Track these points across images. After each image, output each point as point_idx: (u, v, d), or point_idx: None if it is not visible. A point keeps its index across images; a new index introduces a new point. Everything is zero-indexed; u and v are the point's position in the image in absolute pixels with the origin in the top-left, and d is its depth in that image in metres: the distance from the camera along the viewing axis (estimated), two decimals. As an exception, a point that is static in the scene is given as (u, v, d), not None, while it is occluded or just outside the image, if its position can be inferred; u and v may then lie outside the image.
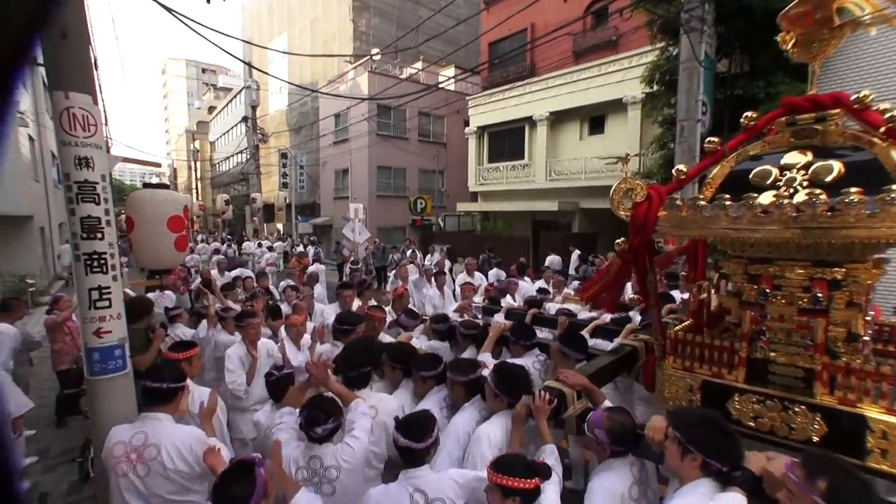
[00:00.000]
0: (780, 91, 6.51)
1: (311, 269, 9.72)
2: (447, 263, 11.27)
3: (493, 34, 16.94)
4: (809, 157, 2.03)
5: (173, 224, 4.84)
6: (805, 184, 1.96)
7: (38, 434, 5.04)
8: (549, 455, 2.09)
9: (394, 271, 9.03)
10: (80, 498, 3.99)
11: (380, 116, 22.14)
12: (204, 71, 70.79)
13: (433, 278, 7.61)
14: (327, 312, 5.20)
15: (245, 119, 28.80)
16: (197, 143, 46.10)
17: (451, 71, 22.32)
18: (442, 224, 21.13)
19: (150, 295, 6.18)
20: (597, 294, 2.73)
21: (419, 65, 23.17)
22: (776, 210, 1.86)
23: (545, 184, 16.72)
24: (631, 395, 3.38)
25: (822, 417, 1.89)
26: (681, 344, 2.41)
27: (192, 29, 5.85)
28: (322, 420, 2.20)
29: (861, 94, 1.90)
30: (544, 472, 1.84)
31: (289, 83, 22.84)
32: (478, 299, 5.82)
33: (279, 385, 2.87)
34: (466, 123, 19.99)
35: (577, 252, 12.47)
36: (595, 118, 15.75)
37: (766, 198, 1.96)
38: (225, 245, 18.15)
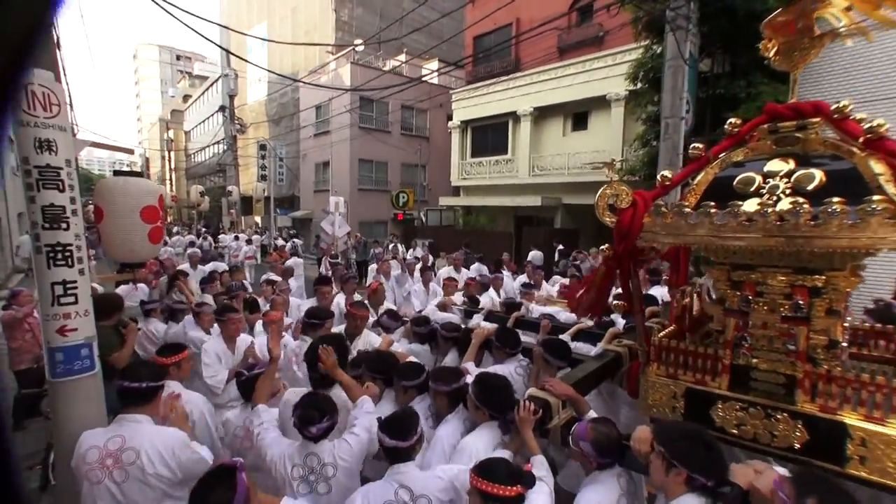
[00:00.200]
0: (760, 91, 6.62)
1: (288, 262, 9.57)
2: (430, 258, 11.22)
3: (477, 28, 16.85)
4: (792, 164, 2.04)
5: (147, 215, 4.65)
6: (788, 192, 1.96)
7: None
8: (540, 466, 2.05)
9: (373, 265, 8.93)
10: (38, 508, 3.76)
11: (362, 109, 21.87)
12: (179, 58, 68.89)
13: (420, 273, 7.54)
14: (304, 308, 5.09)
15: (222, 108, 28.07)
16: (171, 133, 44.88)
17: (434, 64, 22.14)
18: (424, 219, 21.05)
19: (122, 288, 6.01)
20: (582, 301, 2.71)
21: (402, 57, 22.93)
22: (760, 218, 1.86)
23: (528, 179, 16.78)
24: (614, 400, 3.39)
25: (803, 425, 1.90)
26: (665, 350, 2.41)
27: (166, 11, 5.63)
28: (316, 419, 2.14)
29: (841, 104, 1.91)
30: (528, 480, 1.79)
31: (269, 71, 22.35)
32: (458, 297, 5.78)
33: (250, 385, 2.79)
34: (449, 117, 19.89)
35: (560, 247, 12.55)
36: (578, 114, 15.86)
37: (750, 205, 1.96)
38: (200, 238, 17.75)
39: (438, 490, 1.95)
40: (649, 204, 2.33)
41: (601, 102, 14.42)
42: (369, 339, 3.87)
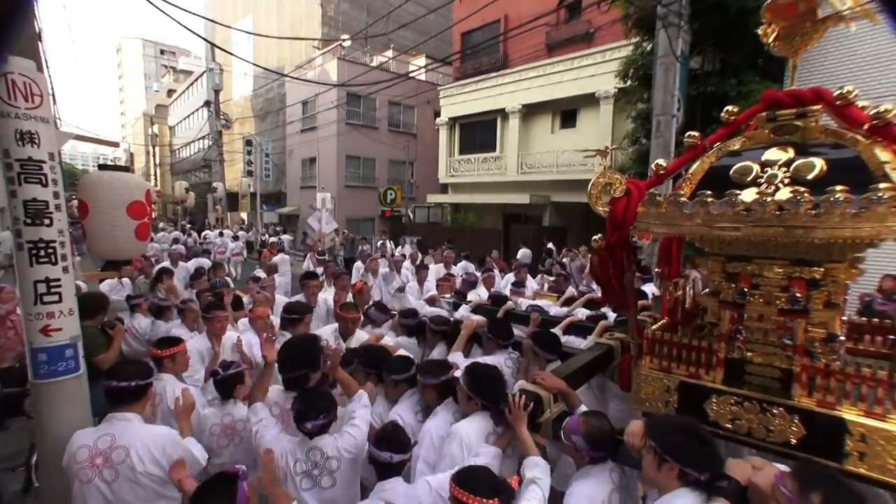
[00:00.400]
0: (751, 90, 6.64)
1: (274, 259, 9.50)
2: (419, 256, 11.13)
3: (465, 24, 16.78)
4: (791, 153, 1.98)
5: (134, 210, 4.47)
6: (786, 181, 1.91)
7: (-27, 439, 4.63)
8: (533, 468, 1.97)
9: (358, 263, 8.81)
10: (21, 510, 3.66)
11: (349, 105, 21.69)
12: (163, 52, 67.79)
13: (416, 272, 7.43)
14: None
15: (207, 103, 27.64)
16: (155, 128, 44.12)
17: (422, 60, 22.03)
18: (412, 216, 20.94)
19: (106, 283, 5.86)
20: (609, 297, 2.64)
21: (389, 53, 22.77)
22: (759, 208, 1.80)
23: (516, 176, 16.76)
24: (604, 393, 3.34)
25: (800, 420, 1.85)
26: (657, 344, 2.35)
27: (151, 3, 5.46)
28: (313, 416, 2.14)
29: (845, 90, 1.86)
30: (507, 495, 1.67)
31: (255, 65, 22.02)
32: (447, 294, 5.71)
33: (226, 384, 2.76)
34: (437, 114, 19.78)
35: (549, 245, 12.54)
36: (567, 112, 15.86)
37: (748, 195, 1.90)
38: (185, 234, 17.46)
39: (425, 502, 1.91)
40: (643, 193, 2.27)
41: (590, 100, 14.42)
42: (361, 339, 3.81)
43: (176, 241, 13.73)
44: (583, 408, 2.29)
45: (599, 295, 3.04)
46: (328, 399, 2.25)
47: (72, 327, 2.51)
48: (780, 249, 1.98)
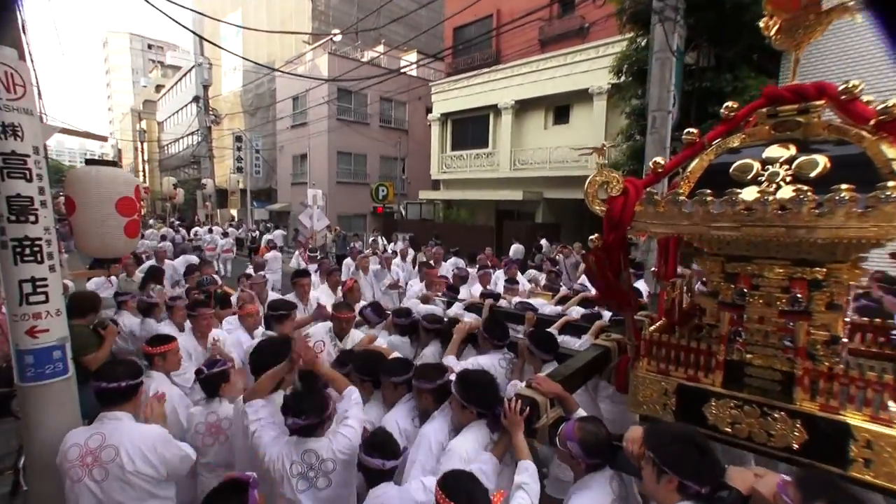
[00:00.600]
0: (746, 85, 6.61)
1: (266, 255, 9.47)
2: (411, 252, 11.05)
3: (457, 19, 16.65)
4: (792, 150, 1.93)
5: (123, 206, 4.33)
6: (788, 179, 1.85)
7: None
8: (522, 473, 1.94)
9: (347, 260, 8.73)
10: (8, 514, 3.57)
11: (340, 100, 21.52)
12: (150, 47, 66.91)
13: (418, 270, 7.35)
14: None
15: (196, 99, 27.27)
16: (144, 124, 43.54)
17: (413, 56, 21.87)
18: (404, 212, 20.84)
19: (93, 281, 5.76)
20: (607, 297, 2.57)
21: (381, 48, 22.58)
22: (760, 207, 1.75)
23: (509, 173, 16.70)
24: (597, 394, 3.29)
25: (802, 424, 1.80)
26: (655, 345, 2.29)
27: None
28: (292, 414, 2.13)
29: (850, 84, 1.80)
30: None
31: (245, 59, 21.76)
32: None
33: (211, 382, 2.76)
34: (429, 110, 19.66)
35: (543, 241, 12.50)
36: (560, 108, 15.81)
37: (748, 193, 1.84)
38: (173, 231, 17.26)
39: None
40: (641, 192, 2.21)
41: (583, 96, 14.38)
42: (356, 338, 3.77)
43: (163, 238, 13.55)
44: (580, 412, 2.24)
45: (594, 293, 2.99)
46: (316, 401, 2.20)
47: (59, 328, 2.44)
48: (781, 249, 1.93)
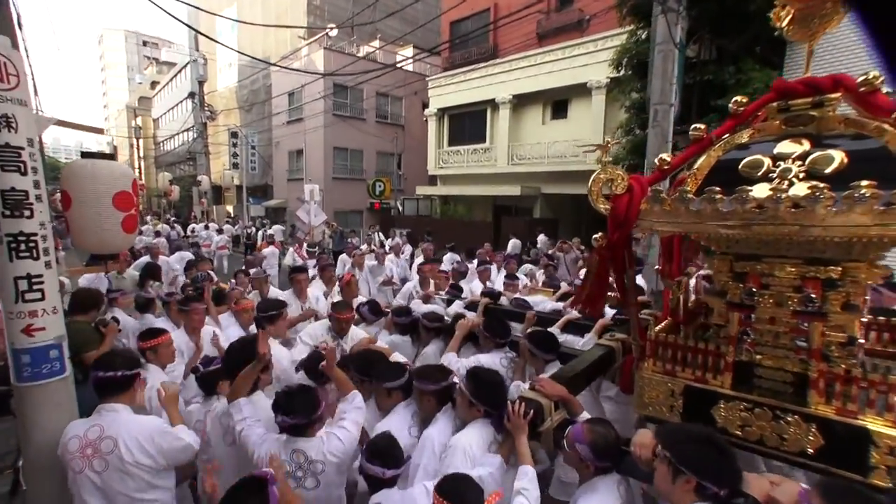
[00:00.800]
0: (750, 78, 6.51)
1: (264, 251, 9.43)
2: (408, 248, 10.99)
3: (454, 13, 16.52)
4: (806, 145, 1.86)
5: (120, 201, 4.21)
6: (801, 175, 1.79)
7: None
8: (522, 478, 1.90)
9: (343, 256, 8.66)
10: (7, 512, 3.51)
11: (336, 96, 21.35)
12: (145, 43, 66.41)
13: (421, 272, 7.26)
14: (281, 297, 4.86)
15: (192, 95, 27.10)
16: (139, 120, 43.23)
17: (409, 51, 21.70)
18: (401, 208, 20.75)
19: (84, 277, 5.68)
20: (585, 299, 2.51)
21: (377, 43, 22.40)
22: (772, 205, 1.68)
23: (507, 168, 16.62)
24: (599, 394, 3.24)
25: (817, 428, 1.75)
26: (661, 346, 2.23)
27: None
28: (281, 412, 2.12)
29: (870, 75, 1.73)
30: None
31: (240, 53, 21.54)
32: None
33: (208, 380, 2.73)
34: (425, 105, 19.53)
35: (541, 236, 12.44)
36: (558, 102, 15.71)
37: (760, 190, 1.78)
38: (169, 227, 17.17)
39: None
40: (646, 189, 2.14)
41: (582, 90, 14.28)
42: (356, 336, 3.73)
43: (158, 234, 13.48)
44: (585, 415, 2.18)
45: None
46: (306, 401, 2.17)
47: (56, 326, 2.37)
48: (792, 248, 1.86)
